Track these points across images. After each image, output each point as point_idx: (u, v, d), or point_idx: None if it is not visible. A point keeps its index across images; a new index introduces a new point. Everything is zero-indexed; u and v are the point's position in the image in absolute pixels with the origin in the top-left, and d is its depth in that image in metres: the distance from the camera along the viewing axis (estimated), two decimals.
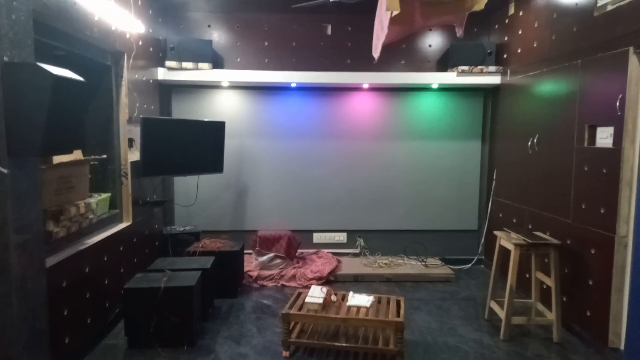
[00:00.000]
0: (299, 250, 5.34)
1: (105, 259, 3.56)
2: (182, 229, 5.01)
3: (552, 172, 4.08)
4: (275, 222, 5.55)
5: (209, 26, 5.40)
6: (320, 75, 5.21)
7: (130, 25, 4.06)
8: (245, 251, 4.99)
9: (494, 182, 5.31)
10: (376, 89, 5.55)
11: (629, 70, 3.14)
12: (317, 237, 5.66)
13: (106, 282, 3.59)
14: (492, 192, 5.35)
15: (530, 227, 4.39)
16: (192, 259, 4.12)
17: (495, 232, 3.99)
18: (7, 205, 2.28)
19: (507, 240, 3.74)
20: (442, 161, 5.62)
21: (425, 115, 5.59)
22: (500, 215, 5.11)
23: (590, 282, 3.48)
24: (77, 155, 3.24)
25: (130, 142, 4.16)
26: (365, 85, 5.44)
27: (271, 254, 5.02)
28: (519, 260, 3.62)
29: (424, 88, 5.52)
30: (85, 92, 2.82)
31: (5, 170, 2.20)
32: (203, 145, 4.86)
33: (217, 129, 4.99)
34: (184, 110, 5.44)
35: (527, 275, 4.21)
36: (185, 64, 4.97)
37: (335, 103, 5.57)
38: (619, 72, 3.22)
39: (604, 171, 3.37)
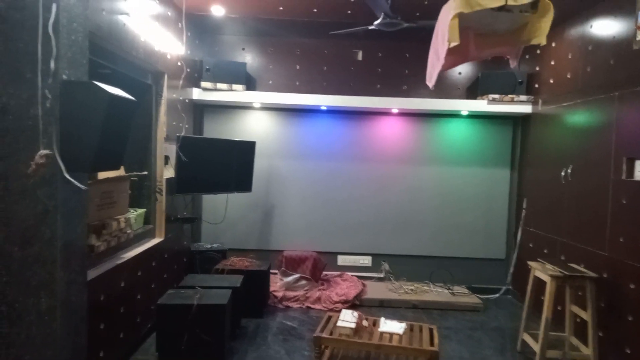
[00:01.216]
0: (324, 272, 5.31)
1: (139, 274, 3.59)
2: (209, 247, 5.04)
3: (587, 204, 4.02)
4: (301, 242, 5.55)
5: (244, 49, 5.53)
6: (350, 99, 5.28)
7: (171, 46, 4.18)
8: (271, 271, 4.99)
9: (523, 211, 5.25)
10: (405, 114, 5.58)
11: None
12: (342, 260, 5.64)
13: (139, 297, 3.61)
14: (521, 221, 5.28)
15: (563, 258, 4.31)
16: (222, 277, 4.13)
17: (530, 263, 3.93)
18: (57, 219, 2.33)
19: (542, 271, 3.68)
20: (470, 188, 5.59)
21: (453, 141, 5.59)
22: (531, 245, 5.04)
23: (630, 318, 3.38)
24: (120, 171, 3.31)
25: (166, 159, 4.23)
26: (395, 110, 5.48)
27: (297, 275, 5.01)
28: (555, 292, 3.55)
29: (452, 114, 5.54)
30: (132, 111, 2.90)
31: (83, 187, 2.25)
32: (234, 165, 4.92)
33: (247, 148, 5.06)
34: (216, 129, 5.53)
35: (560, 308, 4.12)
36: (219, 85, 5.08)
37: (363, 127, 5.62)
38: None
39: None
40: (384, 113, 5.59)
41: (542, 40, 2.04)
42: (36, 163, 2.18)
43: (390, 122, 5.62)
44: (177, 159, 4.27)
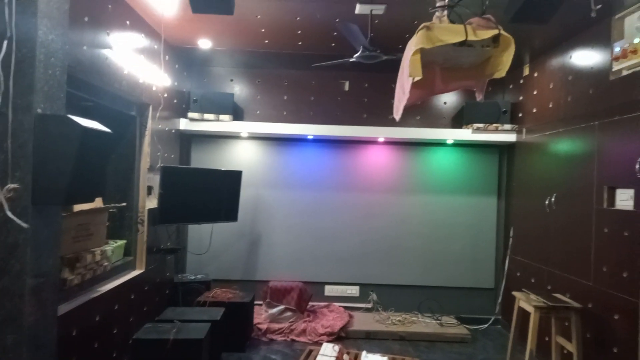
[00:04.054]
0: (310, 303, 5.23)
1: (116, 307, 3.52)
2: (193, 278, 4.97)
3: (571, 233, 4.01)
4: (287, 272, 5.49)
5: (232, 80, 5.61)
6: (337, 129, 5.32)
7: (157, 78, 4.24)
8: (256, 302, 4.91)
9: (510, 239, 5.23)
10: (392, 142, 5.63)
11: None
12: (329, 290, 5.56)
13: (115, 332, 3.54)
14: (509, 250, 5.25)
15: (549, 288, 4.27)
16: (202, 310, 4.07)
17: (514, 293, 3.89)
18: (27, 252, 2.30)
19: (526, 301, 3.63)
20: (457, 216, 5.58)
21: (440, 170, 5.61)
22: (518, 275, 4.99)
23: (615, 350, 3.32)
24: (97, 203, 3.29)
25: (149, 189, 4.22)
26: (381, 139, 5.52)
27: (282, 306, 4.93)
28: (539, 323, 3.50)
29: (438, 143, 5.58)
30: (110, 142, 2.91)
31: (25, 225, 2.23)
32: (219, 194, 4.91)
33: (234, 178, 5.07)
34: (203, 159, 5.55)
35: (547, 339, 4.05)
36: (206, 116, 5.13)
37: (350, 156, 5.65)
38: (637, 135, 3.23)
39: (625, 234, 3.30)
40: (371, 142, 5.63)
41: (502, 74, 2.07)
42: (4, 197, 2.17)
43: (377, 151, 5.66)
44: (160, 189, 4.26)
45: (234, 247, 5.54)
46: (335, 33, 4.17)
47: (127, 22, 3.65)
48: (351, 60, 3.82)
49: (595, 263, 3.63)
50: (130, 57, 3.66)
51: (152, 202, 4.27)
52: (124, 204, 3.91)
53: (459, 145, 5.59)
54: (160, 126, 4.47)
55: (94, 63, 3.12)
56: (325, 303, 5.45)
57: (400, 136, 5.34)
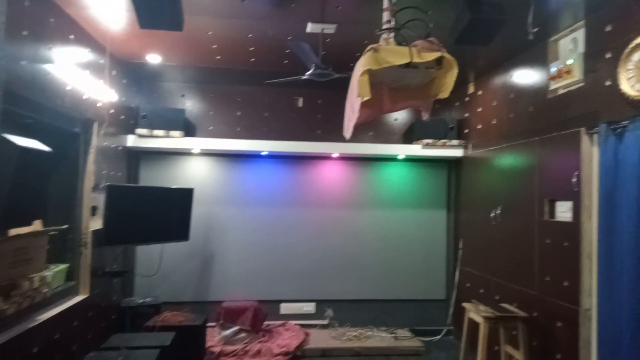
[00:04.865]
0: (265, 322, 5.14)
1: (57, 336, 3.31)
2: (141, 301, 4.76)
3: (515, 244, 4.18)
4: (241, 292, 5.37)
5: (183, 95, 5.50)
6: (291, 145, 5.32)
7: (102, 94, 4.09)
8: (209, 324, 4.76)
9: (460, 251, 5.39)
10: (345, 158, 5.69)
11: (582, 149, 3.36)
12: (285, 308, 5.49)
13: None
14: (458, 262, 5.40)
15: (497, 298, 4.42)
16: (151, 335, 3.89)
17: (464, 305, 3.99)
18: None
19: (475, 313, 3.74)
20: (410, 230, 5.70)
21: (392, 184, 5.72)
22: (468, 285, 5.14)
23: (559, 356, 3.47)
24: (36, 226, 3.11)
25: (94, 209, 4.04)
26: (335, 155, 5.57)
27: (236, 327, 4.81)
28: (488, 333, 3.60)
29: (390, 158, 5.71)
30: (50, 162, 2.76)
31: None
32: (170, 213, 4.77)
33: (185, 195, 4.94)
34: (153, 176, 5.38)
35: (497, 348, 4.17)
36: (156, 132, 4.98)
37: (304, 171, 5.65)
38: (574, 150, 3.43)
39: (565, 244, 3.48)
40: (325, 158, 5.67)
41: (446, 94, 2.16)
42: None
43: (331, 166, 5.70)
44: (105, 210, 4.08)
45: (186, 267, 5.37)
46: (288, 50, 4.19)
47: (71, 36, 3.51)
48: (303, 77, 3.85)
49: (539, 273, 3.80)
50: (73, 72, 3.51)
51: (96, 223, 4.08)
52: (65, 226, 3.70)
53: (410, 160, 5.73)
54: (106, 143, 4.31)
55: (34, 78, 2.98)
56: (281, 322, 5.37)
57: (354, 152, 5.41)
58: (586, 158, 3.35)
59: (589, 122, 3.28)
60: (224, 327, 4.84)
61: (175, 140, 5.05)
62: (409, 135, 5.65)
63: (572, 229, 3.41)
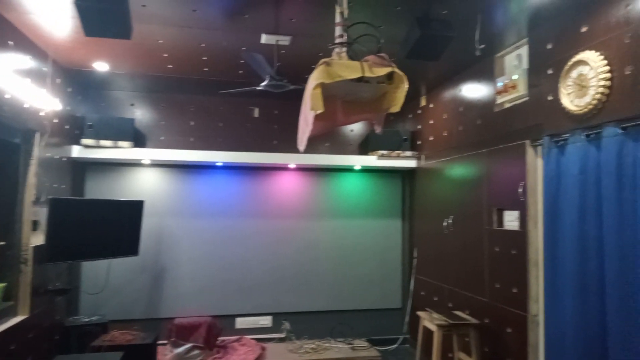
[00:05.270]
0: (220, 338, 5.01)
1: None
2: (87, 320, 4.52)
3: (467, 252, 4.30)
4: (195, 307, 5.21)
5: (132, 105, 5.32)
6: (247, 156, 5.26)
7: (45, 103, 3.88)
8: (160, 342, 4.58)
9: (415, 260, 5.48)
10: (302, 169, 5.68)
11: (527, 161, 3.50)
12: (241, 322, 5.38)
13: None
14: (413, 270, 5.49)
15: (450, 305, 4.51)
16: (98, 355, 3.70)
17: (419, 313, 4.05)
18: None
19: (429, 321, 3.80)
20: (366, 239, 5.75)
21: (348, 194, 5.76)
22: (423, 293, 5.23)
23: None
24: None
25: (35, 224, 3.81)
26: (292, 166, 5.55)
27: (189, 345, 4.65)
28: (442, 341, 3.67)
29: (347, 169, 5.75)
30: None
31: None
32: (118, 227, 4.57)
33: (134, 208, 4.75)
34: (100, 189, 5.15)
35: (451, 355, 4.25)
36: (103, 142, 4.78)
37: (261, 182, 5.59)
38: (520, 162, 3.57)
39: (513, 252, 3.61)
40: (281, 168, 5.63)
41: (397, 109, 2.20)
42: None
43: (288, 177, 5.67)
44: (47, 224, 3.86)
45: (135, 283, 5.16)
46: (242, 61, 4.15)
47: (10, 42, 3.32)
48: (258, 88, 3.82)
49: (489, 280, 3.91)
50: (13, 80, 3.31)
51: (38, 239, 3.85)
52: (2, 242, 3.47)
53: (366, 170, 5.80)
54: (49, 154, 4.08)
55: None
56: (237, 337, 5.25)
57: (310, 162, 5.42)
58: (531, 169, 3.50)
59: (533, 134, 3.43)
60: (176, 345, 4.67)
61: (123, 151, 4.86)
62: (365, 146, 5.72)
63: (520, 238, 3.54)
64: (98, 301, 4.95)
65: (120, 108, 5.28)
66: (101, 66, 4.44)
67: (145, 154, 4.98)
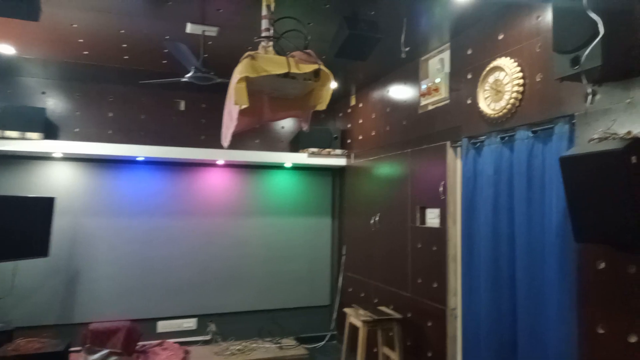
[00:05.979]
0: (140, 343, 4.76)
1: None
2: None
3: (392, 249, 4.42)
4: (113, 311, 4.90)
5: (44, 93, 4.89)
6: (171, 150, 5.02)
7: None
8: (73, 349, 4.26)
9: (343, 257, 5.55)
10: (231, 165, 5.53)
11: (447, 161, 3.66)
12: (162, 326, 5.13)
13: None
14: (342, 267, 5.57)
15: (376, 301, 4.62)
16: None
17: (345, 310, 4.11)
18: None
19: (355, 317, 3.86)
20: (296, 237, 5.72)
21: (279, 192, 5.71)
22: (350, 290, 5.31)
23: (429, 354, 3.72)
24: None
25: None
26: (220, 162, 5.39)
27: (105, 351, 4.37)
28: (367, 336, 3.74)
29: (277, 166, 5.69)
30: None
31: None
32: (25, 226, 4.18)
33: (44, 206, 4.37)
34: (4, 184, 4.67)
35: (375, 350, 4.35)
36: (8, 133, 4.35)
37: (186, 179, 5.38)
38: (440, 162, 3.73)
39: (434, 248, 3.76)
40: (209, 165, 5.45)
41: (323, 106, 2.20)
42: None
43: (216, 174, 5.50)
44: None
45: (46, 286, 4.75)
46: (166, 50, 3.95)
47: None
48: (183, 79, 3.66)
49: (412, 275, 4.05)
50: None
51: None
52: None
53: (296, 168, 5.78)
54: None
55: None
56: (158, 341, 5.00)
57: (240, 159, 5.29)
58: (451, 169, 3.66)
59: (453, 136, 3.59)
60: (90, 352, 4.36)
61: (32, 143, 4.46)
62: (296, 143, 5.70)
63: (440, 234, 3.69)
64: (2, 307, 4.49)
65: (30, 96, 4.84)
66: (7, 49, 4.03)
67: (58, 147, 4.59)
